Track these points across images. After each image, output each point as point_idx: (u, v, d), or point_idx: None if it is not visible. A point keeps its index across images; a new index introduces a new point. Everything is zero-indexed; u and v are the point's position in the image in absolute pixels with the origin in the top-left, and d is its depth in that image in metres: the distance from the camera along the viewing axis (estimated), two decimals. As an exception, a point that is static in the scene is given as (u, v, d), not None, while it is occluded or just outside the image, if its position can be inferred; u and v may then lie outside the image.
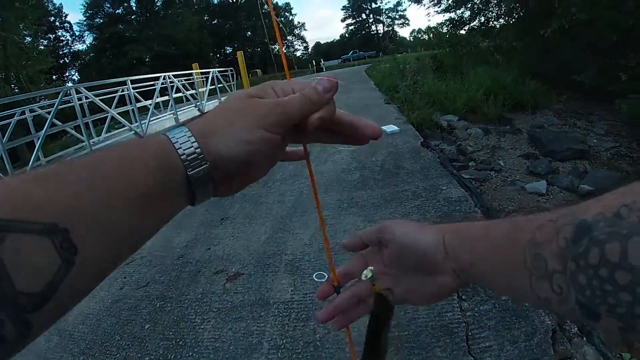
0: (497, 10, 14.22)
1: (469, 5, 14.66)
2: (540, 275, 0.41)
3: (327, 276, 2.90)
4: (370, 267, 0.64)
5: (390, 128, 7.80)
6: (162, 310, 3.22)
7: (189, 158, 0.44)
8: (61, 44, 47.27)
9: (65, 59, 47.81)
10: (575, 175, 5.92)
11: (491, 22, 14.87)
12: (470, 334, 2.51)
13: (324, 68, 41.64)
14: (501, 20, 14.52)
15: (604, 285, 0.34)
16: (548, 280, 0.40)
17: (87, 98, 9.36)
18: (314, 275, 3.26)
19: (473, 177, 5.57)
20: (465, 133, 8.15)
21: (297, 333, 2.70)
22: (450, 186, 4.74)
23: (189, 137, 0.45)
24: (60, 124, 8.76)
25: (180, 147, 0.44)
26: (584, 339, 2.49)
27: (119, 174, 0.40)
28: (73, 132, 9.22)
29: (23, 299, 0.31)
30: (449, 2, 15.33)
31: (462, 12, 15.45)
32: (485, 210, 4.24)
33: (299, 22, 71.66)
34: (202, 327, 2.94)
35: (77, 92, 8.86)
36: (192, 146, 0.45)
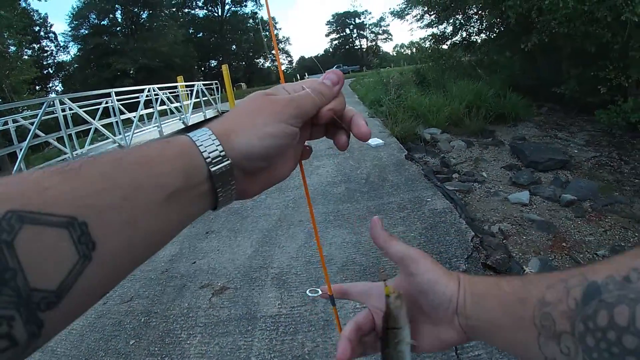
0: (478, 25, 14.48)
1: (451, 21, 14.91)
2: (548, 335, 0.41)
3: (319, 291, 2.93)
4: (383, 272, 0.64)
5: (374, 141, 7.87)
6: (147, 326, 3.19)
7: (211, 155, 0.45)
8: (45, 54, 46.77)
9: (50, 69, 47.31)
10: (557, 185, 6.06)
11: (472, 37, 15.14)
12: (459, 343, 2.54)
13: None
14: (482, 35, 14.80)
15: (611, 349, 0.34)
16: (556, 340, 0.40)
17: (70, 109, 9.30)
18: (307, 291, 3.20)
19: (457, 189, 5.67)
20: (448, 145, 8.28)
21: (285, 347, 2.70)
22: (434, 198, 4.81)
23: (210, 135, 0.46)
24: (43, 135, 8.65)
25: (202, 145, 0.45)
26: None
27: (143, 172, 0.40)
28: (56, 143, 9.11)
29: (37, 295, 0.30)
30: (432, 17, 15.57)
31: (444, 28, 15.71)
32: (470, 221, 4.31)
33: (283, 37, 71.89)
34: (188, 342, 2.91)
35: (61, 103, 8.80)
36: (213, 143, 0.46)
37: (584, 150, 7.97)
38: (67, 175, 0.35)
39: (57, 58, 48.11)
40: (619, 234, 4.56)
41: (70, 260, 0.32)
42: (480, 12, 13.43)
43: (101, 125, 10.03)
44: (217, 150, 0.46)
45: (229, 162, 0.46)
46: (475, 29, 14.88)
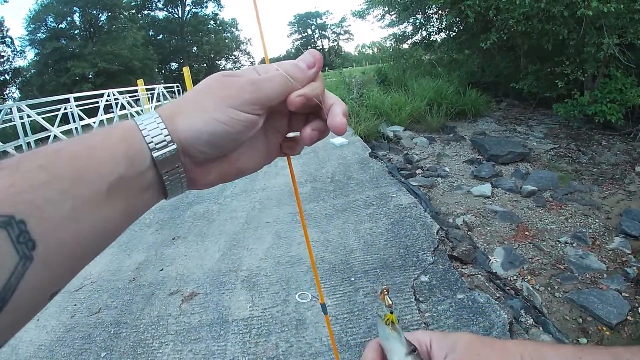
0: (438, 24, 14.72)
1: (411, 21, 15.10)
2: None
3: (310, 295, 2.94)
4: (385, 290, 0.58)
5: (338, 140, 7.93)
6: (118, 337, 3.15)
7: (153, 139, 0.42)
8: (2, 59, 45.13)
9: (6, 75, 45.58)
10: (518, 176, 6.26)
11: (432, 36, 15.37)
12: (430, 334, 2.60)
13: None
14: (442, 34, 15.04)
15: None
16: None
17: (29, 117, 9.03)
18: (297, 296, 3.21)
19: (421, 184, 5.79)
20: (411, 142, 8.42)
21: (259, 349, 2.72)
22: (399, 194, 4.90)
23: (155, 118, 0.43)
24: (0, 144, 8.39)
25: (146, 129, 0.42)
26: (541, 328, 2.65)
27: (83, 162, 0.37)
28: (15, 153, 8.82)
29: None
30: (392, 17, 15.73)
31: (405, 27, 15.88)
32: (435, 215, 4.41)
33: (245, 38, 71.21)
34: (161, 351, 2.89)
35: (19, 110, 8.55)
36: (157, 127, 0.42)
37: (542, 142, 8.24)
38: (6, 171, 0.33)
39: (13, 63, 46.47)
40: (580, 221, 4.75)
41: (10, 261, 0.31)
42: (439, 11, 13.66)
43: (60, 132, 9.80)
44: (161, 134, 0.42)
45: (174, 147, 0.43)
46: (435, 28, 15.12)
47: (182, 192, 0.48)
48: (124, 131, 0.42)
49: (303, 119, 0.54)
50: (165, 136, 0.42)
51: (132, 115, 14.59)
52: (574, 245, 4.18)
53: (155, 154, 0.42)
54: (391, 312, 0.54)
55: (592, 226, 4.61)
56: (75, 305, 3.70)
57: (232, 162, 0.51)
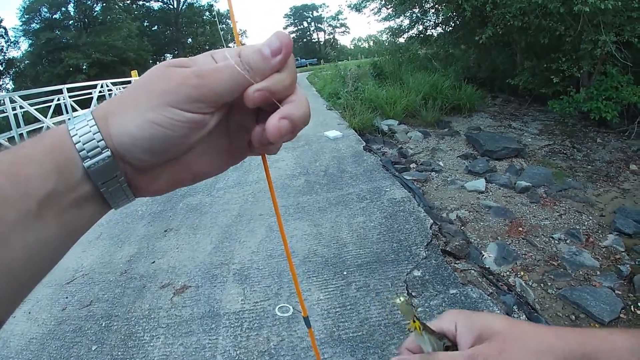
0: (435, 19, 14.69)
1: (408, 15, 15.06)
2: None
3: (291, 308, 2.91)
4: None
5: (333, 133, 7.91)
6: (109, 330, 3.12)
7: (85, 146, 0.36)
8: (-5, 50, 44.75)
9: (0, 66, 45.28)
10: (512, 172, 6.26)
11: (429, 31, 15.34)
12: (423, 329, 2.60)
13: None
14: (438, 29, 15.02)
15: None
16: None
17: (22, 107, 8.94)
18: (277, 309, 3.03)
19: (415, 178, 5.77)
20: (405, 136, 8.40)
21: (251, 343, 2.70)
22: (393, 187, 4.89)
23: (88, 121, 0.37)
24: (-7, 135, 8.32)
25: (77, 134, 0.36)
26: (533, 324, 2.64)
27: (8, 179, 0.33)
28: (7, 144, 8.74)
29: None
30: (389, 11, 15.68)
31: (401, 21, 15.85)
32: (429, 209, 4.40)
33: (240, 30, 70.90)
34: (152, 344, 2.87)
35: (11, 101, 8.46)
36: (90, 131, 0.37)
37: (537, 138, 8.24)
38: None
39: (7, 54, 46.06)
40: (574, 217, 4.75)
41: None
42: (436, 5, 13.62)
43: (53, 123, 9.72)
44: (93, 139, 0.36)
45: (108, 153, 0.37)
46: (432, 22, 15.09)
47: (129, 201, 0.42)
48: (53, 139, 0.37)
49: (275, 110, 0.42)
50: (98, 142, 0.37)
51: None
52: (568, 242, 4.18)
53: (86, 163, 0.36)
54: (415, 319, 0.50)
55: (586, 223, 4.61)
56: (67, 298, 3.67)
57: (186, 167, 0.43)
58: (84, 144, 0.36)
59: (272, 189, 0.52)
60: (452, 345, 0.50)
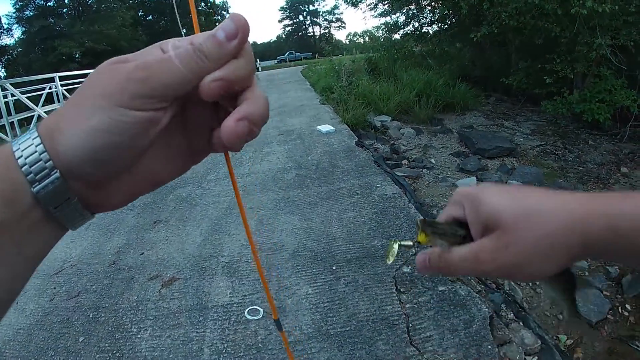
0: (431, 16, 14.69)
1: (404, 11, 15.06)
2: None
3: (261, 311, 2.88)
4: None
5: (325, 128, 7.90)
6: (96, 321, 3.09)
7: (32, 169, 0.33)
8: (-13, 37, 44.23)
9: (-9, 53, 44.79)
10: (504, 171, 6.28)
11: (424, 28, 15.34)
12: (410, 325, 2.61)
13: (259, 68, 41.48)
14: (434, 26, 15.02)
15: None
16: None
17: (13, 95, 8.84)
18: (246, 312, 2.93)
19: (406, 175, 5.77)
20: (398, 133, 8.40)
21: (238, 336, 2.69)
22: (384, 184, 4.89)
23: (34, 139, 0.33)
24: (-17, 123, 8.22)
25: (22, 156, 0.33)
26: (521, 323, 2.66)
27: None
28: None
29: None
30: (385, 7, 15.67)
31: (397, 17, 15.84)
32: (419, 206, 4.40)
33: (235, 21, 70.18)
34: (139, 336, 2.85)
35: (2, 88, 8.37)
36: (36, 151, 0.33)
37: (529, 138, 8.28)
38: None
39: (0, 41, 45.57)
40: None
41: None
42: (433, 3, 13.64)
43: (44, 112, 9.63)
44: (40, 160, 0.33)
45: (57, 175, 0.33)
46: (428, 19, 15.10)
47: (87, 220, 0.38)
48: None
49: (234, 104, 0.38)
50: (45, 162, 0.33)
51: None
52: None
53: (35, 189, 0.33)
54: (420, 230, 0.49)
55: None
56: (55, 288, 3.63)
57: (143, 174, 0.39)
58: (30, 167, 0.33)
59: (236, 185, 0.50)
60: (468, 234, 0.48)
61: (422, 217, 0.44)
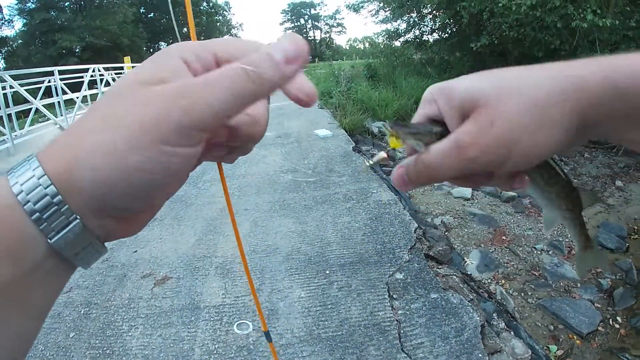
0: (432, 24, 14.77)
1: (405, 19, 15.13)
2: None
3: (250, 325, 2.86)
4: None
5: (323, 132, 7.91)
6: (87, 317, 3.08)
7: (44, 216, 0.28)
8: (-11, 27, 44.04)
9: (-9, 44, 44.56)
10: (499, 181, 6.29)
11: (425, 36, 15.43)
12: (402, 331, 2.62)
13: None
14: (435, 35, 15.12)
15: None
16: None
17: (11, 87, 8.79)
18: (235, 326, 2.81)
19: (402, 183, 5.78)
20: (396, 140, 8.41)
21: (230, 337, 2.68)
22: (380, 190, 4.90)
23: (39, 178, 0.28)
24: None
25: (30, 202, 0.28)
26: (512, 333, 2.67)
27: None
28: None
29: None
30: (387, 14, 15.74)
31: (398, 25, 15.92)
32: (414, 213, 4.41)
33: (237, 22, 70.72)
34: (130, 334, 2.84)
35: (1, 80, 8.32)
36: (45, 194, 0.28)
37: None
38: None
39: (1, 32, 45.39)
40: (557, 229, 4.79)
41: None
42: (434, 11, 13.70)
43: (43, 105, 9.57)
44: (54, 206, 0.28)
45: (77, 222, 0.29)
46: (428, 28, 15.20)
47: (102, 255, 0.34)
48: None
49: None
50: (61, 208, 0.28)
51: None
52: (550, 253, 4.22)
53: (53, 240, 0.29)
54: (391, 134, 0.42)
55: (569, 236, 4.65)
56: None
57: (154, 205, 0.36)
58: (42, 214, 0.28)
59: (227, 193, 0.48)
60: (445, 131, 0.41)
61: (389, 121, 0.35)
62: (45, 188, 0.28)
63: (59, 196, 0.28)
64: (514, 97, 0.36)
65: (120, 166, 0.28)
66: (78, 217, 0.29)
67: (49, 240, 0.28)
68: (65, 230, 0.29)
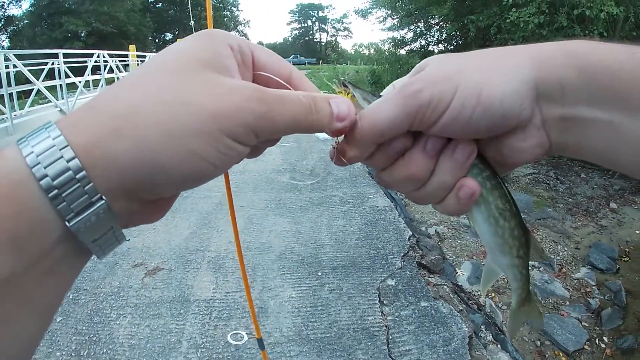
0: (438, 35, 14.81)
1: (412, 28, 15.17)
2: None
3: (245, 336, 2.84)
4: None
5: (323, 135, 7.90)
6: (75, 303, 3.07)
7: (65, 195, 0.25)
8: (-4, 5, 43.80)
9: (-1, 22, 44.34)
10: (494, 197, 6.30)
11: (431, 46, 15.47)
12: (391, 337, 2.62)
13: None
14: (440, 46, 15.14)
15: None
16: None
17: (15, 67, 8.74)
18: (229, 336, 2.57)
19: (399, 190, 5.80)
20: (396, 147, 8.44)
21: (218, 332, 2.69)
22: (376, 195, 4.91)
23: (61, 149, 0.25)
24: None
25: (46, 175, 0.24)
26: (499, 346, 2.68)
27: None
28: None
29: None
30: (394, 21, 15.79)
31: (405, 33, 15.97)
32: (409, 221, 4.43)
33: (244, 19, 70.59)
34: (118, 322, 2.83)
35: (6, 59, 8.28)
36: (68, 168, 0.25)
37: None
38: None
39: (7, 11, 45.14)
40: (549, 247, 4.81)
41: None
42: (441, 22, 13.74)
43: (45, 87, 9.54)
44: (77, 184, 0.25)
45: (102, 203, 0.26)
46: (435, 38, 15.23)
47: (120, 244, 0.31)
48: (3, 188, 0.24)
49: None
50: (85, 187, 0.25)
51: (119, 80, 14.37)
52: (541, 269, 4.23)
53: (72, 223, 0.25)
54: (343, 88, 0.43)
55: (561, 254, 4.67)
56: None
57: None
58: (61, 191, 0.24)
59: (229, 190, 0.48)
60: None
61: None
62: (68, 162, 0.24)
63: (83, 172, 0.25)
64: (470, 55, 0.37)
65: (178, 148, 0.27)
66: (104, 198, 0.26)
67: (67, 223, 0.25)
68: (87, 213, 0.25)
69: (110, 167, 0.26)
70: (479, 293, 3.70)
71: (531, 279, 3.96)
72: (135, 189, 0.28)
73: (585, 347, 3.19)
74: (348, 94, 0.42)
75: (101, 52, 12.23)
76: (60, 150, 0.25)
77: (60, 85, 10.49)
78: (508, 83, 0.33)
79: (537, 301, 0.42)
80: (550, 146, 0.36)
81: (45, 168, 0.24)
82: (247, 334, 2.77)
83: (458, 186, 0.38)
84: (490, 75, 0.34)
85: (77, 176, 0.25)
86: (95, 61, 11.85)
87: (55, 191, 0.24)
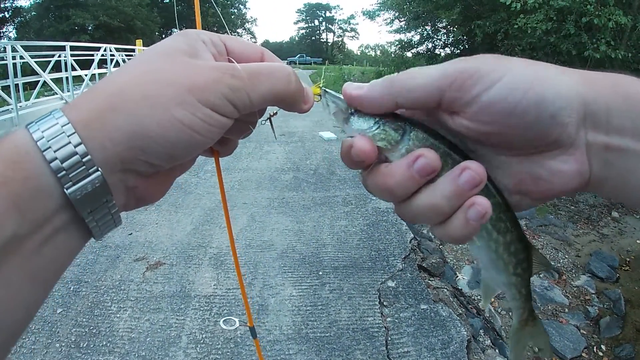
0: (445, 39, 14.81)
1: (419, 30, 15.17)
2: None
3: (237, 322, 2.86)
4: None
5: (327, 135, 7.93)
6: (77, 295, 3.08)
7: (64, 164, 0.27)
8: (4, -4, 43.88)
9: (6, 13, 44.29)
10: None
11: (437, 50, 15.47)
12: (389, 339, 2.63)
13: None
14: (447, 50, 15.14)
15: None
16: None
17: (22, 58, 8.77)
18: (221, 322, 2.79)
19: (402, 193, 5.80)
20: (399, 149, 8.44)
21: (218, 328, 2.69)
22: (379, 197, 4.92)
23: (63, 125, 0.28)
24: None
25: (49, 147, 0.27)
26: (497, 350, 2.69)
27: None
28: (0, 92, 8.56)
29: None
30: (401, 24, 15.79)
31: (412, 36, 15.97)
32: (410, 224, 4.43)
33: (251, 17, 70.67)
34: (118, 315, 2.84)
35: (13, 50, 8.30)
36: (68, 142, 0.28)
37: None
38: None
39: (15, 2, 45.24)
40: (550, 253, 4.81)
41: None
42: (449, 26, 13.74)
43: (51, 79, 9.57)
44: (76, 154, 0.28)
45: (98, 174, 0.28)
46: (441, 42, 15.23)
47: (117, 225, 0.33)
48: (7, 155, 0.27)
49: None
50: (82, 157, 0.28)
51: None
52: (541, 276, 4.24)
53: (69, 190, 0.28)
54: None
55: (561, 261, 4.68)
56: None
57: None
58: (62, 162, 0.27)
59: (222, 185, 0.51)
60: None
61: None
62: (69, 136, 0.28)
63: (82, 145, 0.28)
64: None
65: (165, 118, 0.30)
66: (100, 169, 0.28)
67: (65, 190, 0.28)
68: (84, 181, 0.28)
69: (106, 140, 0.29)
70: (479, 297, 3.71)
71: (531, 285, 3.98)
72: (129, 158, 0.30)
73: (583, 354, 3.20)
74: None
75: (108, 45, 12.27)
76: (62, 127, 0.28)
77: (67, 77, 10.52)
78: (562, 86, 0.32)
79: (541, 324, 0.37)
80: (589, 178, 0.34)
81: (48, 142, 0.27)
82: (239, 320, 2.82)
83: (468, 204, 0.34)
84: (542, 75, 0.32)
85: (77, 149, 0.28)
86: (102, 55, 11.89)
87: (57, 162, 0.27)
